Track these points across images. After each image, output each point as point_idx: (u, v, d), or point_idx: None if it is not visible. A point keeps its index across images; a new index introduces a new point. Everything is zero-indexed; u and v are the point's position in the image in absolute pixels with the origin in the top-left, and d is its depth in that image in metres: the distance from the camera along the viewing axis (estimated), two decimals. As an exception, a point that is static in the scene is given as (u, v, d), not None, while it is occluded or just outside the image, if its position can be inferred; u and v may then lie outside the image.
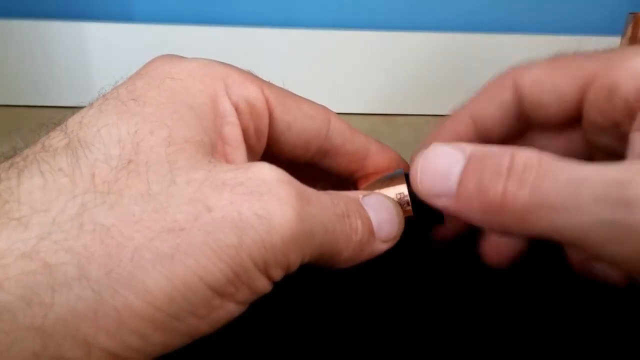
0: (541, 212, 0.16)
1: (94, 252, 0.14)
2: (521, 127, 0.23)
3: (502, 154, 0.17)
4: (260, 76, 0.21)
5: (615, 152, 0.21)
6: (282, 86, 0.21)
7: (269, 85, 0.21)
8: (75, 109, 0.18)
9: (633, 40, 0.39)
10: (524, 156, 0.17)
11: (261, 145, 0.21)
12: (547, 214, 0.16)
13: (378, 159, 0.24)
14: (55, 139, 0.17)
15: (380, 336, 0.23)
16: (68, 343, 0.14)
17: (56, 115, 0.18)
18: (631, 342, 0.23)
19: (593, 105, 0.20)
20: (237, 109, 0.19)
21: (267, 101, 0.20)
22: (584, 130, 0.22)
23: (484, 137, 0.23)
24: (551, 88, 0.21)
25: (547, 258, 0.25)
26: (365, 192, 0.20)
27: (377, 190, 0.21)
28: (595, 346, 0.22)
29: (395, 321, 0.23)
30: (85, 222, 0.14)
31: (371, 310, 0.24)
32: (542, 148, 0.23)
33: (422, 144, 0.24)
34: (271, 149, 0.21)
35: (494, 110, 0.23)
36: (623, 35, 0.40)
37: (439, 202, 0.18)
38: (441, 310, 0.24)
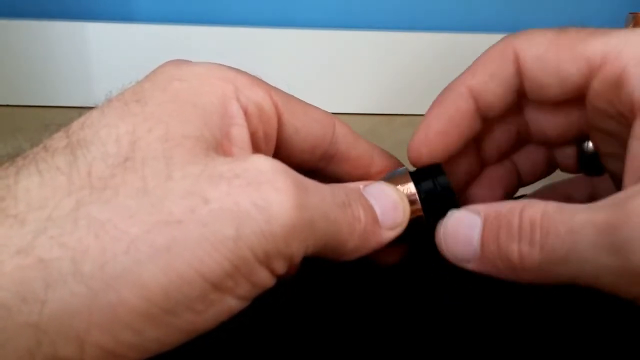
0: (553, 266, 0.17)
1: (89, 247, 0.14)
2: (520, 102, 0.23)
3: (512, 212, 0.18)
4: (261, 76, 0.21)
5: (617, 136, 0.20)
6: (286, 88, 0.21)
7: (277, 90, 0.21)
8: (75, 109, 0.18)
9: (633, 40, 0.39)
10: (529, 215, 0.17)
11: (270, 150, 0.21)
12: (558, 267, 0.17)
13: (382, 166, 0.23)
14: (57, 140, 0.17)
15: (385, 337, 0.23)
16: (61, 340, 0.14)
17: (57, 115, 0.18)
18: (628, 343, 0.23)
19: (598, 94, 0.20)
20: (246, 112, 0.19)
21: (275, 106, 0.20)
22: (587, 113, 0.21)
23: (484, 114, 0.23)
24: (554, 69, 0.20)
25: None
26: (366, 183, 0.20)
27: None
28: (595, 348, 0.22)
29: (403, 323, 0.23)
30: (80, 217, 0.14)
31: (379, 312, 0.24)
32: (539, 126, 0.23)
33: (421, 125, 0.23)
34: (279, 154, 0.21)
35: (496, 86, 0.22)
36: (623, 35, 0.40)
37: (468, 266, 0.19)
38: (450, 312, 0.24)
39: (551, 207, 0.17)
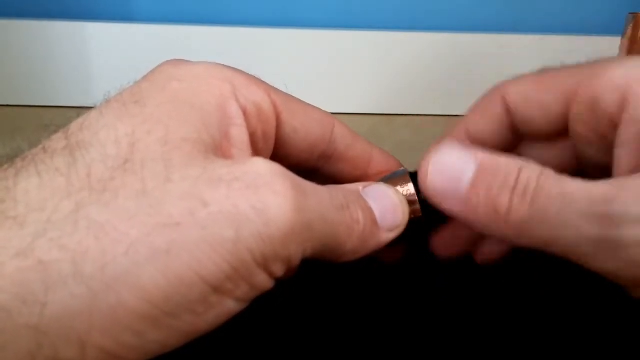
0: (536, 225, 0.17)
1: (89, 249, 0.14)
2: (515, 138, 0.24)
3: (511, 167, 0.18)
4: (260, 76, 0.21)
5: (604, 165, 0.21)
6: (285, 88, 0.21)
7: (275, 89, 0.21)
8: (75, 109, 0.18)
9: (633, 40, 0.39)
10: (528, 171, 0.18)
11: (269, 150, 0.21)
12: (540, 227, 0.17)
13: (381, 166, 0.23)
14: (56, 141, 0.17)
15: (383, 338, 0.23)
16: (62, 342, 0.14)
17: (56, 115, 0.18)
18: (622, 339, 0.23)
19: (577, 119, 0.21)
20: (245, 112, 0.19)
21: (274, 105, 0.20)
22: (573, 144, 0.22)
23: None
24: (537, 103, 0.21)
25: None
26: (365, 184, 0.20)
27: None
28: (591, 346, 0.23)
29: (401, 325, 0.23)
30: (80, 219, 0.14)
31: (378, 313, 0.24)
32: (535, 159, 0.24)
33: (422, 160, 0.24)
34: (278, 154, 0.21)
35: (487, 125, 0.23)
36: (623, 35, 0.40)
37: (446, 204, 0.19)
38: (448, 314, 0.24)
39: (549, 171, 0.17)
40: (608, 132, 0.19)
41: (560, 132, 0.22)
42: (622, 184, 0.16)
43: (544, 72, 0.22)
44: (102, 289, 0.14)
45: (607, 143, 0.20)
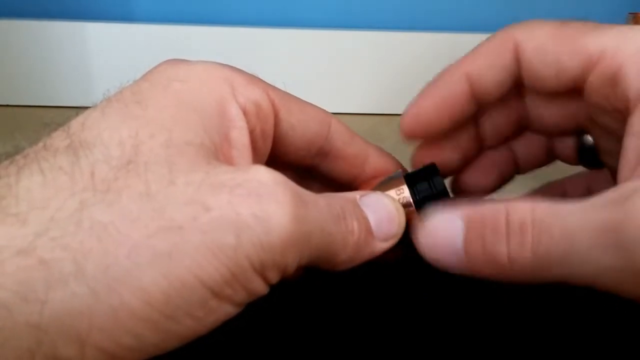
0: (547, 267, 0.16)
1: (91, 249, 0.14)
2: (518, 90, 0.23)
3: (497, 214, 0.17)
4: (260, 76, 0.21)
5: (614, 132, 0.20)
6: (283, 87, 0.21)
7: (273, 87, 0.21)
8: (75, 108, 0.18)
9: (633, 40, 0.39)
10: (518, 215, 0.17)
11: (267, 147, 0.21)
12: (552, 268, 0.16)
13: (377, 163, 0.24)
14: (57, 139, 0.17)
15: (380, 341, 0.23)
16: (62, 340, 0.14)
17: (57, 115, 0.18)
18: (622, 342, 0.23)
19: (595, 89, 0.20)
20: (244, 111, 0.19)
21: (272, 103, 0.20)
22: (585, 106, 0.21)
23: (480, 99, 0.23)
24: (553, 61, 0.20)
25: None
26: (363, 193, 0.20)
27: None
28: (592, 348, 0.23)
29: (397, 326, 0.23)
30: (83, 219, 0.14)
31: (373, 313, 0.24)
32: (538, 115, 0.23)
33: (413, 101, 0.23)
34: (275, 151, 0.21)
35: (494, 74, 0.22)
36: (623, 35, 0.40)
37: (452, 270, 0.19)
38: (445, 315, 0.24)
39: (540, 208, 0.17)
40: (624, 109, 0.19)
41: (571, 92, 0.21)
42: (627, 204, 0.15)
43: (564, 25, 0.20)
44: (104, 290, 0.14)
45: (622, 117, 0.19)
